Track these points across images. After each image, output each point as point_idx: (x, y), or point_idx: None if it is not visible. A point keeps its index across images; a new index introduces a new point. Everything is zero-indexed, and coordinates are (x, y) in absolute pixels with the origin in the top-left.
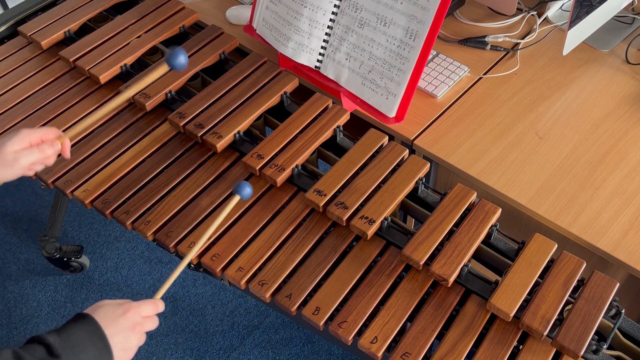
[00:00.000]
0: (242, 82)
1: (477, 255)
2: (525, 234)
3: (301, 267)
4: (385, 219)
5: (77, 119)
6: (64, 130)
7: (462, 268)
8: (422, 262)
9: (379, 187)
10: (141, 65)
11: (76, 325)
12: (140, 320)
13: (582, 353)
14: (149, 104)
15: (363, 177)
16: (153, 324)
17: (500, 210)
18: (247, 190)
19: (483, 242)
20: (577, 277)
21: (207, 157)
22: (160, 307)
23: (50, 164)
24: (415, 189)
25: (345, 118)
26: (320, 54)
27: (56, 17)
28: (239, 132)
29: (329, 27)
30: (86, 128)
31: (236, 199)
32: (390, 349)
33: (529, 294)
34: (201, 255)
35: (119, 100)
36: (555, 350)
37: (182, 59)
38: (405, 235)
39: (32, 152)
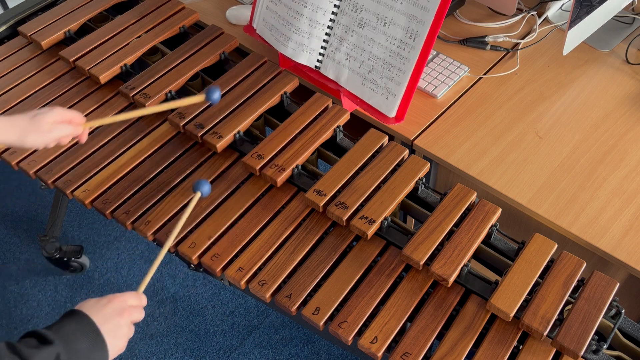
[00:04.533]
0: (242, 82)
1: (477, 255)
2: (525, 234)
3: (301, 267)
4: (385, 219)
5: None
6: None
7: (462, 268)
8: (422, 262)
9: (379, 187)
10: (141, 65)
11: (65, 319)
12: (126, 307)
13: (582, 353)
14: (149, 104)
15: (363, 177)
16: (139, 315)
17: (500, 210)
18: (206, 187)
19: (483, 242)
20: (577, 277)
21: (207, 157)
22: (144, 300)
23: (64, 143)
24: (415, 189)
25: (345, 118)
26: (320, 54)
27: (56, 17)
28: (239, 132)
29: (329, 27)
30: (105, 124)
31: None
32: (390, 349)
33: (529, 294)
34: (201, 255)
35: (148, 111)
36: (555, 350)
37: (217, 95)
38: (405, 235)
39: (65, 127)
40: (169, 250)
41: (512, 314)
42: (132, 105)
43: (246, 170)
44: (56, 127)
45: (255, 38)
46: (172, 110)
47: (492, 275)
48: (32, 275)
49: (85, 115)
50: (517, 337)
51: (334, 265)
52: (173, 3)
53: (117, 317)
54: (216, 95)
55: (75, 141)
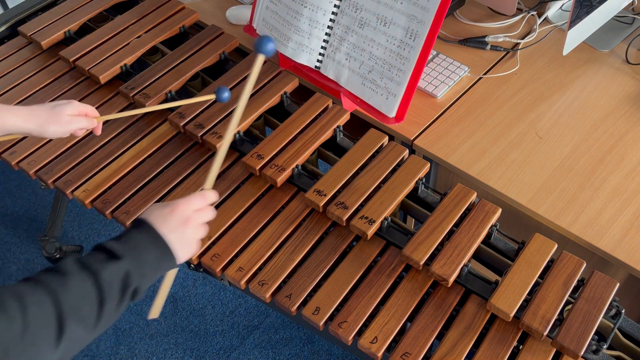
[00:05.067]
0: (242, 82)
1: (477, 255)
2: (525, 234)
3: (301, 267)
4: (385, 219)
5: None
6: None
7: (462, 268)
8: (422, 262)
9: (379, 187)
10: (141, 65)
11: (133, 231)
12: (190, 214)
13: (582, 353)
14: (149, 104)
15: (363, 177)
16: (207, 215)
17: (500, 210)
18: (271, 45)
19: (483, 242)
20: (577, 277)
21: (207, 157)
22: (210, 196)
23: (79, 135)
24: (415, 189)
25: (345, 118)
26: (320, 54)
27: (56, 17)
28: (239, 132)
29: (329, 27)
30: (119, 117)
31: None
32: (390, 349)
33: (529, 294)
34: (201, 255)
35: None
36: (555, 350)
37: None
38: (405, 235)
39: (82, 120)
40: None
41: (512, 314)
42: (133, 105)
43: (246, 170)
44: (74, 119)
45: (256, 38)
46: (171, 110)
47: (492, 275)
48: None
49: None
50: (517, 337)
51: (334, 265)
52: (173, 3)
53: (182, 226)
54: (226, 94)
55: (75, 141)
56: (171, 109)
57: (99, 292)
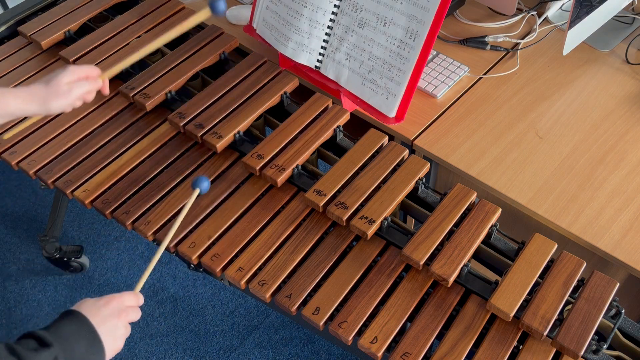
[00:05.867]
0: (242, 82)
1: (477, 255)
2: (525, 234)
3: (301, 267)
4: (385, 219)
5: (76, 120)
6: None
7: (462, 268)
8: (422, 262)
9: (379, 187)
10: (141, 65)
11: (63, 320)
12: (123, 308)
13: (582, 353)
14: (149, 104)
15: (363, 177)
16: (136, 315)
17: (500, 210)
18: (205, 184)
19: (483, 242)
20: (577, 277)
21: (207, 157)
22: (140, 299)
23: (90, 100)
24: (415, 189)
25: (345, 118)
26: (320, 54)
27: (56, 17)
28: (239, 132)
29: (329, 27)
30: (122, 69)
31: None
32: (390, 349)
33: (529, 294)
34: (201, 255)
35: (156, 43)
36: (555, 350)
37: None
38: (405, 235)
39: (84, 83)
40: (167, 249)
41: (512, 314)
42: (133, 105)
43: (246, 170)
44: (74, 85)
45: (255, 38)
46: (172, 110)
47: (492, 275)
48: (32, 275)
49: (85, 117)
50: (517, 337)
51: (334, 265)
52: (173, 3)
53: (115, 319)
54: (222, 6)
55: (75, 141)
56: (170, 109)
57: None
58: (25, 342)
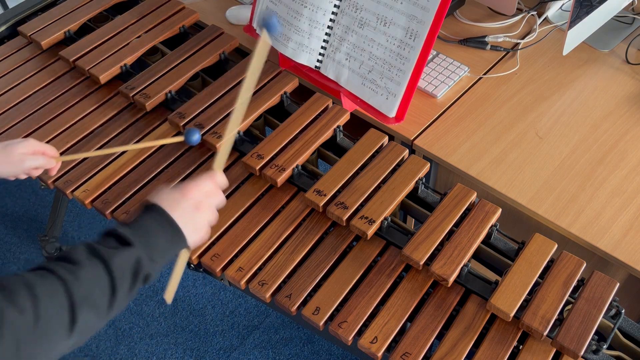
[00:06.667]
0: (242, 82)
1: (477, 255)
2: (525, 234)
3: (301, 267)
4: (385, 219)
5: (76, 120)
6: (61, 154)
7: (462, 268)
8: (422, 262)
9: (379, 187)
10: (141, 65)
11: (144, 215)
12: (201, 198)
13: (582, 353)
14: (149, 104)
15: (363, 177)
16: (218, 199)
17: (500, 210)
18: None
19: (483, 242)
20: (577, 277)
21: (207, 157)
22: (220, 180)
23: (34, 176)
24: (415, 189)
25: (345, 118)
26: (320, 54)
27: (56, 17)
28: (239, 132)
29: (329, 27)
30: (80, 158)
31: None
32: (390, 349)
33: (529, 294)
34: (201, 255)
35: (126, 147)
36: (555, 350)
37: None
38: (405, 235)
39: (37, 158)
40: None
41: (512, 314)
42: (133, 105)
43: (246, 170)
44: (27, 157)
45: (255, 38)
46: (171, 110)
47: (492, 275)
48: None
49: (85, 117)
50: (517, 337)
51: (334, 265)
52: (173, 3)
53: (193, 211)
54: (196, 137)
55: (75, 141)
56: (170, 109)
57: (110, 279)
58: (106, 240)
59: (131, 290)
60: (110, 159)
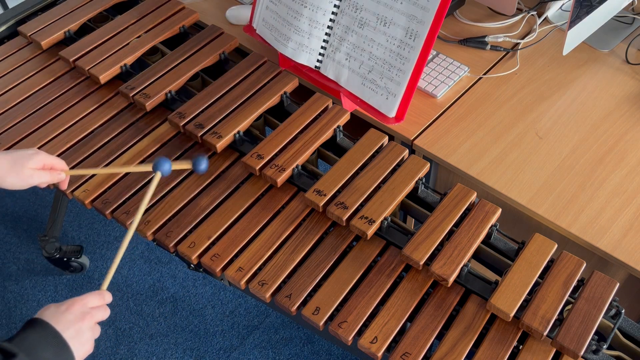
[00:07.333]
0: (242, 82)
1: (477, 255)
2: (525, 234)
3: (301, 267)
4: (385, 219)
5: (76, 120)
6: (62, 154)
7: (462, 268)
8: (422, 262)
9: (379, 187)
10: (141, 65)
11: (27, 330)
12: (88, 311)
13: (582, 353)
14: (149, 104)
15: (363, 177)
16: (103, 314)
17: (500, 210)
18: (166, 167)
19: (483, 242)
20: (577, 277)
21: (207, 157)
22: (107, 297)
23: (42, 186)
24: (415, 189)
25: (345, 118)
26: (320, 54)
27: (56, 17)
28: (239, 132)
29: (329, 27)
30: (89, 175)
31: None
32: (390, 349)
33: (529, 294)
34: (201, 255)
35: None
36: (555, 350)
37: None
38: (405, 235)
39: (45, 174)
40: (168, 251)
41: (512, 314)
42: (133, 105)
43: (246, 170)
44: (35, 174)
45: (255, 38)
46: (171, 110)
47: (492, 275)
48: (32, 275)
49: (85, 117)
50: (517, 337)
51: (334, 265)
52: (173, 3)
53: (79, 322)
54: (203, 166)
55: (75, 141)
56: (170, 109)
57: None
58: None
59: None
60: (111, 159)
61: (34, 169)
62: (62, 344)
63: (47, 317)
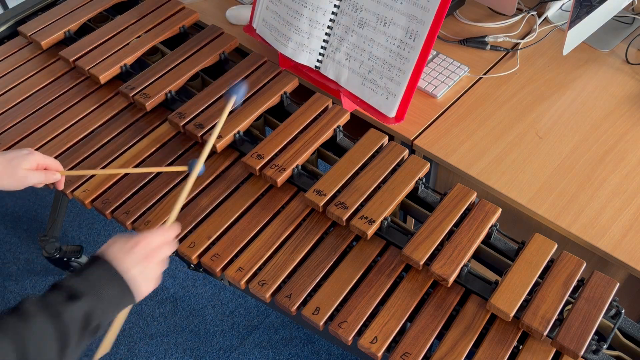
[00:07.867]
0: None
1: (477, 255)
2: (525, 234)
3: (301, 267)
4: (385, 219)
5: (76, 120)
6: (61, 154)
7: (462, 268)
8: (422, 262)
9: (379, 187)
10: (141, 65)
11: (91, 267)
12: (152, 250)
13: (582, 353)
14: (149, 104)
15: (363, 177)
16: (168, 250)
17: (500, 210)
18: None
19: (483, 242)
20: (577, 277)
21: (207, 157)
22: (172, 232)
23: (38, 186)
24: (415, 189)
25: (345, 118)
26: (320, 54)
27: (56, 17)
28: (239, 132)
29: (329, 27)
30: (83, 175)
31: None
32: (390, 349)
33: (529, 294)
34: (201, 255)
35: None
36: (555, 350)
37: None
38: (405, 235)
39: (40, 175)
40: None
41: (512, 314)
42: (133, 105)
43: (246, 170)
44: (31, 174)
45: (255, 38)
46: (171, 110)
47: (492, 275)
48: (32, 275)
49: (85, 117)
50: (517, 337)
51: (334, 265)
52: (173, 3)
53: (143, 262)
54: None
55: (75, 141)
56: (170, 109)
57: (60, 334)
58: (55, 294)
59: (80, 343)
60: (111, 159)
61: (28, 169)
62: (124, 285)
63: (114, 254)
